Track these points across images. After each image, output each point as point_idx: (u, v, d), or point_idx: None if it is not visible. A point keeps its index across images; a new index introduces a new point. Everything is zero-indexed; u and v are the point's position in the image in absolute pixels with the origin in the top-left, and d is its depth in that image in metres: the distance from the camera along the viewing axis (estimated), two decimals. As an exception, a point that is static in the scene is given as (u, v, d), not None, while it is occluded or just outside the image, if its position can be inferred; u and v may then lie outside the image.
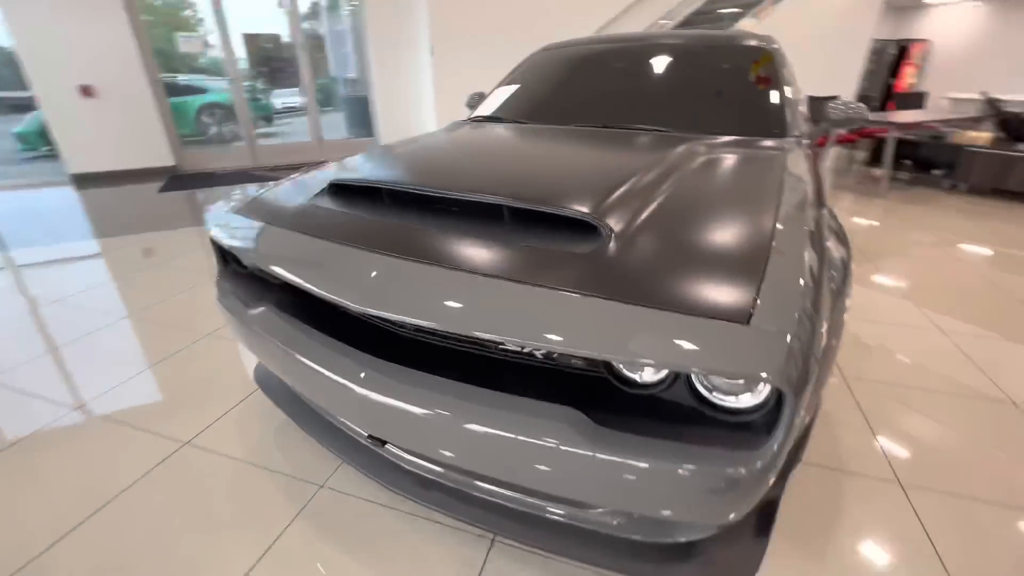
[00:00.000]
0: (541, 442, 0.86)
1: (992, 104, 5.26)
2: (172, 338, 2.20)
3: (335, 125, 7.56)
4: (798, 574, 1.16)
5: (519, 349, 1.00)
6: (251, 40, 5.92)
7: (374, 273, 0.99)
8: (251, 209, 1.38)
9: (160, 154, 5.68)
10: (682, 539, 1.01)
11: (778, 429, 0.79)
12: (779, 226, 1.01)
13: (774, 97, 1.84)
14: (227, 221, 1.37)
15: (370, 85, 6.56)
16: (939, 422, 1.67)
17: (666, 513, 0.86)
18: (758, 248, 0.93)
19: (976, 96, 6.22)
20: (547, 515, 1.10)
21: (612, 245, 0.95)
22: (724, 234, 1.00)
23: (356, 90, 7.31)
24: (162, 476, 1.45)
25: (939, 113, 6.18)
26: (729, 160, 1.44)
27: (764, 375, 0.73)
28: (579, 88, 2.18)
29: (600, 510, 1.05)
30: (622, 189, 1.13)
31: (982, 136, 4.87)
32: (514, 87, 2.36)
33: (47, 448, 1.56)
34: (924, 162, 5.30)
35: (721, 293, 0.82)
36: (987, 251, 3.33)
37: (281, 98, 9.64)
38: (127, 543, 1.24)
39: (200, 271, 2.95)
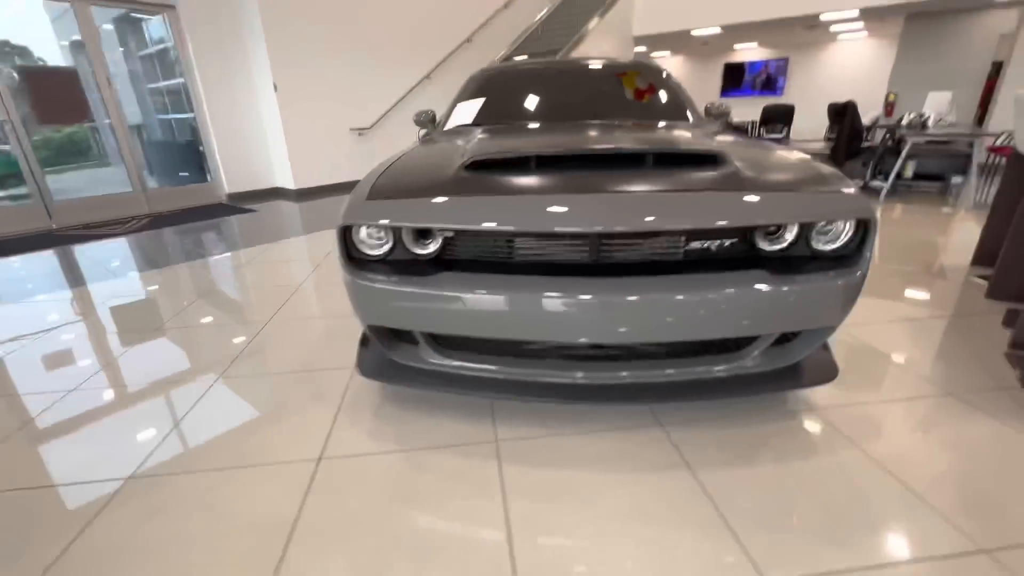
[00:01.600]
0: (754, 289, 1.27)
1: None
2: (198, 384, 1.83)
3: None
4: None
5: (701, 246, 1.38)
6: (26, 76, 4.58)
7: (620, 205, 1.28)
8: (396, 192, 1.44)
9: None
10: (795, 360, 1.51)
11: (866, 247, 1.35)
12: (789, 151, 1.64)
13: (683, 98, 2.64)
14: (375, 208, 1.40)
15: (203, 127, 5.82)
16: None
17: (823, 317, 1.36)
18: (799, 159, 1.53)
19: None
20: (703, 376, 1.47)
21: (738, 167, 1.43)
22: (776, 156, 1.58)
23: (164, 135, 6.35)
24: (326, 494, 1.33)
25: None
26: (713, 129, 2.10)
27: (863, 216, 1.30)
28: (556, 95, 2.64)
29: (750, 356, 1.48)
30: (701, 139, 1.63)
31: (727, 141, 7.01)
32: (480, 100, 2.68)
33: (149, 520, 1.25)
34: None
35: (819, 180, 1.37)
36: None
37: None
38: (364, 550, 1.17)
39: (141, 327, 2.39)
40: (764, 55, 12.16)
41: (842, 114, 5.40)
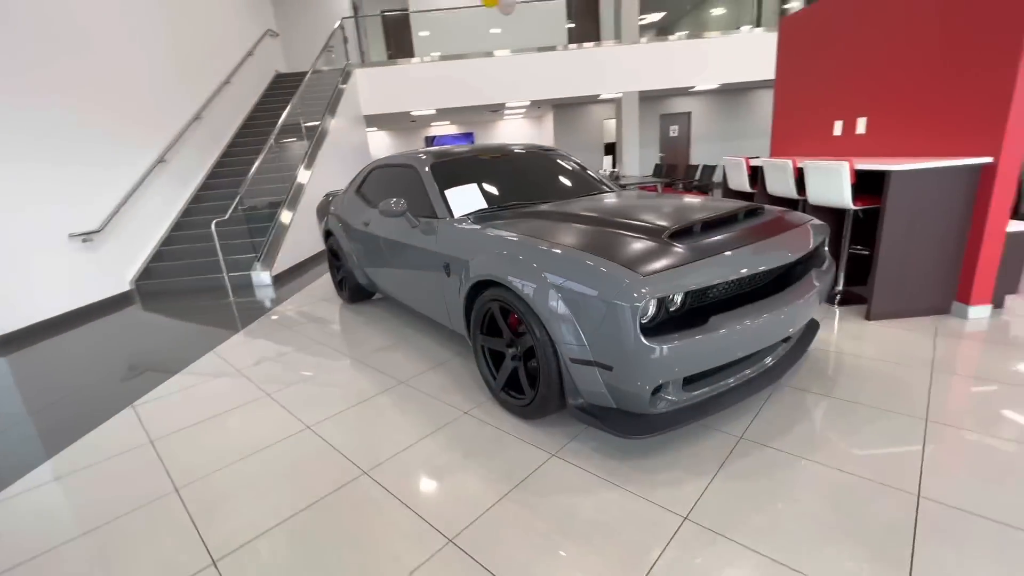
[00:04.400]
0: (824, 283, 2.17)
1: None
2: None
3: None
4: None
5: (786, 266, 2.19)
6: None
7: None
8: (650, 269, 1.68)
9: None
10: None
11: (827, 249, 2.48)
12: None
13: (591, 173, 3.51)
14: (661, 281, 1.62)
15: None
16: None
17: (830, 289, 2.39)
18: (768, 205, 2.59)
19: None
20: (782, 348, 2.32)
21: (774, 212, 2.34)
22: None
23: None
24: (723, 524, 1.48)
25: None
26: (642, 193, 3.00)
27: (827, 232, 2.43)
28: (526, 178, 3.02)
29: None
30: (722, 199, 2.48)
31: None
32: (472, 186, 2.82)
33: None
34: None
35: (798, 216, 2.43)
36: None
37: None
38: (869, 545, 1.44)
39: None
40: (455, 130, 14.74)
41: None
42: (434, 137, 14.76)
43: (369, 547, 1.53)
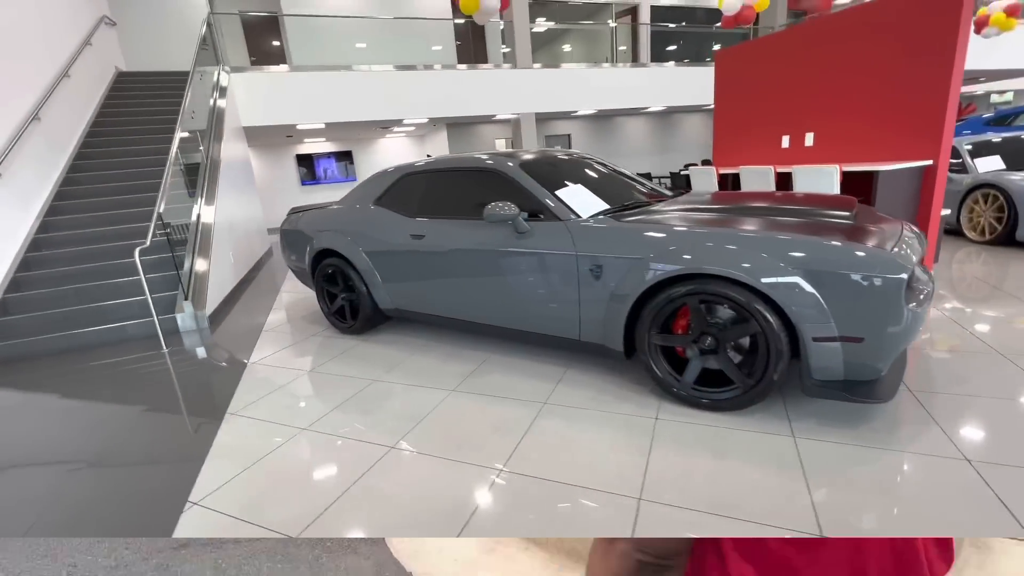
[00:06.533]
0: None
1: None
2: None
3: None
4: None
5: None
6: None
7: None
8: (890, 242, 1.88)
9: None
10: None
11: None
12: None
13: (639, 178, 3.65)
14: (903, 255, 1.81)
15: None
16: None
17: None
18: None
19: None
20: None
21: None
22: None
23: None
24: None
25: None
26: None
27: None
28: (597, 184, 2.96)
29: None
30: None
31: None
32: (579, 185, 2.70)
33: None
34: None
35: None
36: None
37: None
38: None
39: None
40: (331, 148, 13.53)
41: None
42: (309, 155, 13.32)
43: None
